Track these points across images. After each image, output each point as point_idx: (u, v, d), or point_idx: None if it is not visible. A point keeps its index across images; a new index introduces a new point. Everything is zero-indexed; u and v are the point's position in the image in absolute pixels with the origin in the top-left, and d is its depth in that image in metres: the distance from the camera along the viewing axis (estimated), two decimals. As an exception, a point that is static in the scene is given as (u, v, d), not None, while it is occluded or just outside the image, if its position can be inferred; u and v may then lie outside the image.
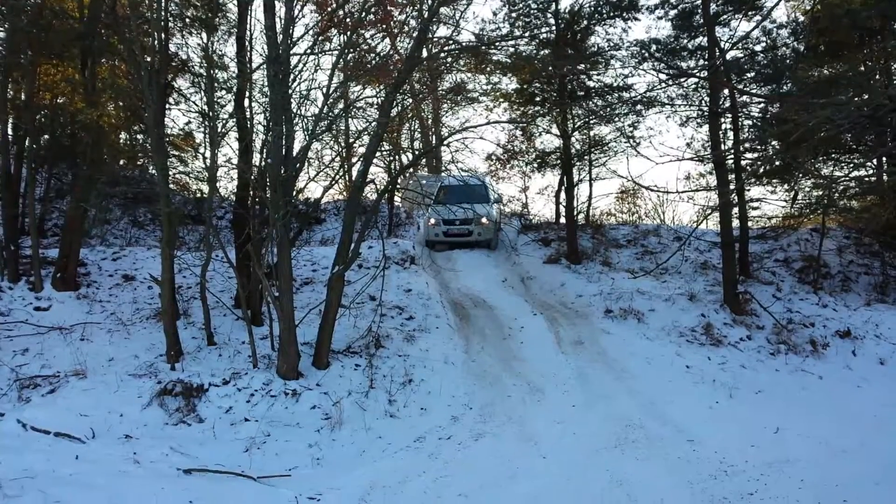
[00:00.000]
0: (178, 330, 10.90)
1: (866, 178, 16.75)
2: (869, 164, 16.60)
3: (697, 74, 15.34)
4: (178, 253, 12.57)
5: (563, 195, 19.58)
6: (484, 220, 17.79)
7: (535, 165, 20.46)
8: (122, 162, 16.91)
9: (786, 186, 17.86)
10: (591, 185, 21.37)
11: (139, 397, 9.27)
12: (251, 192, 12.25)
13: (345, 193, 22.19)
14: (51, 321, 11.45)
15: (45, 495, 6.18)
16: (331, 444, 8.89)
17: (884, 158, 15.96)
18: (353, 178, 13.23)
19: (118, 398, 9.19)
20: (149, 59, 10.82)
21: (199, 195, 17.16)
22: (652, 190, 20.19)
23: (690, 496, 6.77)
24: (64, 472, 6.95)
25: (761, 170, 16.85)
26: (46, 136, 14.76)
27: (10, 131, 12.79)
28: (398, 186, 17.95)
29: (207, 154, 12.60)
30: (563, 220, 19.99)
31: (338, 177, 16.74)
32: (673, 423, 9.15)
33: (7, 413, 8.41)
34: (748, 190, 17.25)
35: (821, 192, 17.02)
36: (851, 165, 16.80)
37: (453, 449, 8.50)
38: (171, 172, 14.79)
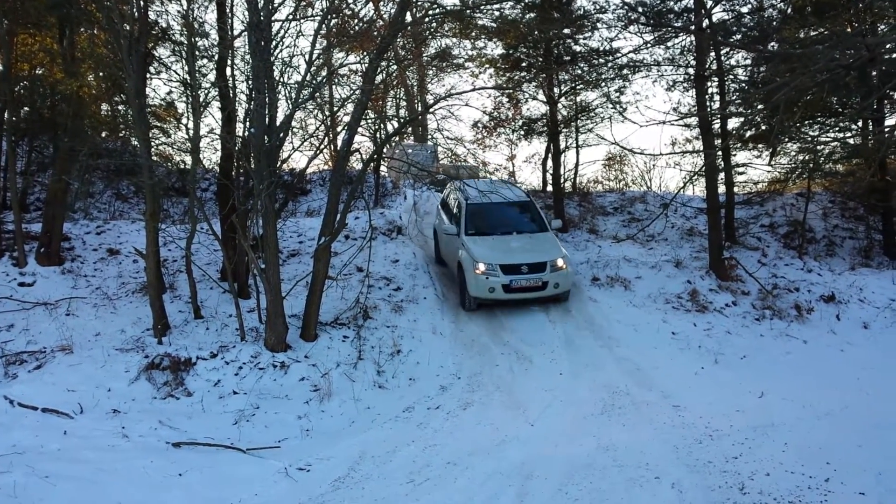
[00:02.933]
0: (164, 304, 10.84)
1: (851, 142, 16.79)
2: (854, 126, 16.61)
3: (683, 27, 15.18)
4: (163, 226, 12.46)
5: (549, 163, 19.51)
6: (560, 262, 12.17)
7: (522, 133, 20.29)
8: (103, 134, 16.65)
9: (771, 151, 17.87)
10: (577, 153, 21.22)
11: (126, 372, 9.25)
12: (235, 163, 12.13)
13: (330, 163, 22.02)
14: (35, 296, 11.36)
15: (33, 470, 6.19)
16: (320, 415, 8.92)
17: (869, 122, 15.98)
18: (338, 148, 13.15)
19: (105, 373, 9.17)
20: (128, 27, 10.60)
21: (182, 167, 16.98)
22: (636, 153, 19.91)
23: (676, 460, 6.84)
24: (52, 448, 6.96)
25: (747, 134, 16.85)
26: (26, 108, 14.51)
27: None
28: (384, 155, 17.81)
29: (190, 125, 12.46)
30: (549, 187, 19.94)
31: (322, 146, 16.65)
32: (659, 389, 9.23)
33: (-7, 389, 8.37)
34: (734, 155, 17.26)
35: (806, 156, 17.04)
36: (837, 129, 16.81)
37: (442, 418, 8.55)
38: (153, 144, 14.62)
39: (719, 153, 15.70)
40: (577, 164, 21.36)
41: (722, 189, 15.97)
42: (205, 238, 12.86)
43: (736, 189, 17.66)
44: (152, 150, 13.37)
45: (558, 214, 17.65)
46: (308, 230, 15.50)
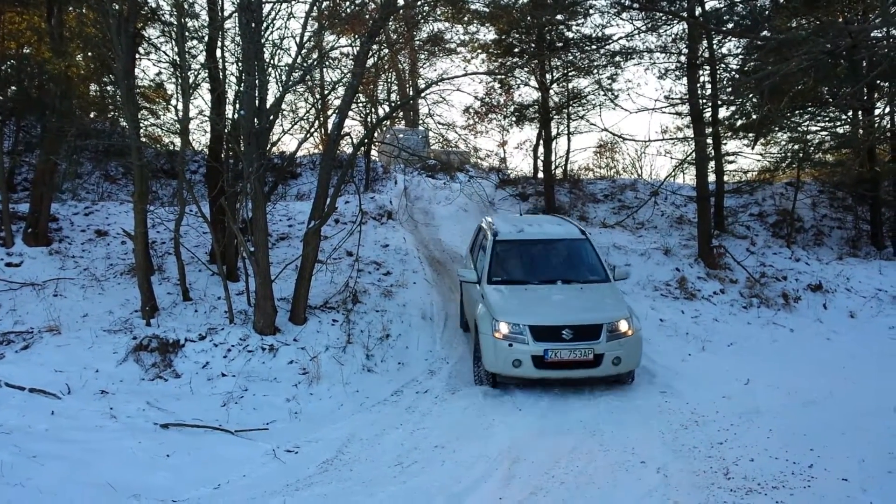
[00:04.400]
0: (152, 285, 10.80)
1: (840, 131, 16.86)
2: (844, 116, 16.68)
3: (676, 13, 15.17)
4: (152, 207, 12.40)
5: (541, 149, 19.51)
6: (623, 325, 8.62)
7: (514, 119, 20.27)
8: (92, 114, 16.52)
9: (762, 140, 17.93)
10: (569, 140, 21.29)
11: (114, 353, 9.22)
12: (224, 145, 12.06)
13: (320, 147, 21.94)
14: (23, 277, 11.30)
15: (20, 450, 6.17)
16: (308, 398, 8.93)
17: (859, 113, 16.04)
18: (329, 131, 13.07)
19: (93, 354, 9.14)
20: (117, 6, 10.49)
21: (171, 148, 16.87)
22: (626, 139, 19.86)
23: (661, 445, 6.89)
24: (39, 428, 6.94)
25: (738, 123, 16.89)
26: (13, 88, 14.35)
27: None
28: (375, 140, 17.76)
29: (179, 106, 12.36)
30: (540, 174, 19.94)
31: (313, 130, 16.56)
32: (647, 375, 9.28)
33: (-20, 370, 8.33)
34: (724, 144, 17.31)
35: (796, 146, 17.12)
36: (827, 119, 16.88)
37: (430, 402, 8.57)
38: (142, 125, 14.50)
39: (710, 141, 15.74)
40: (568, 151, 21.42)
41: (712, 178, 16.05)
42: (194, 220, 12.81)
43: (726, 178, 17.76)
44: (141, 131, 13.26)
45: (548, 201, 17.68)
46: (298, 214, 15.47)
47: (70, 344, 9.30)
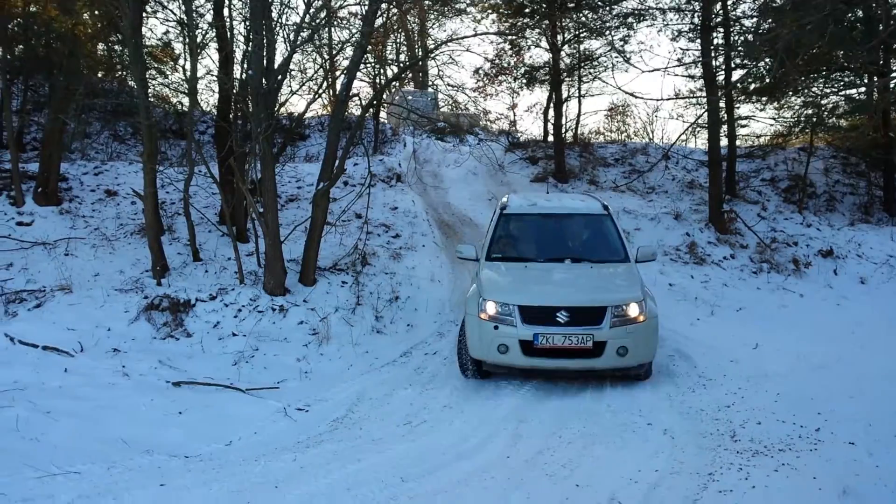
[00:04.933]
0: (162, 246, 10.83)
1: (855, 96, 16.63)
2: (858, 81, 16.43)
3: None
4: (161, 168, 12.38)
5: (551, 112, 19.34)
6: (633, 308, 7.40)
7: (524, 81, 20.06)
8: (99, 74, 16.43)
9: (775, 104, 17.71)
10: (580, 103, 21.11)
11: (126, 312, 9.29)
12: (233, 106, 11.99)
13: (328, 108, 21.79)
14: (34, 236, 11.34)
15: (35, 406, 6.25)
16: (318, 358, 9.00)
17: (874, 77, 15.79)
18: (337, 92, 12.93)
19: (105, 313, 9.21)
20: (123, -36, 10.36)
21: (179, 109, 16.80)
22: (639, 97, 19.70)
23: (668, 408, 6.93)
24: (53, 385, 7.02)
25: (751, 86, 16.67)
26: (20, 47, 14.26)
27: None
28: (384, 101, 17.61)
29: (187, 66, 12.28)
30: (551, 138, 19.80)
31: (321, 90, 16.42)
32: (655, 339, 9.29)
33: (-7, 327, 8.41)
34: (737, 108, 17.11)
35: (809, 110, 16.90)
36: (841, 83, 16.64)
37: (439, 363, 8.62)
38: (150, 84, 14.42)
39: (722, 104, 15.54)
40: (578, 115, 21.24)
41: (724, 142, 15.88)
42: (203, 181, 12.79)
43: (738, 142, 17.58)
44: (149, 91, 13.20)
45: (558, 164, 17.57)
46: (306, 176, 15.43)
47: (82, 303, 9.36)
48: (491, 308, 7.38)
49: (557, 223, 9.01)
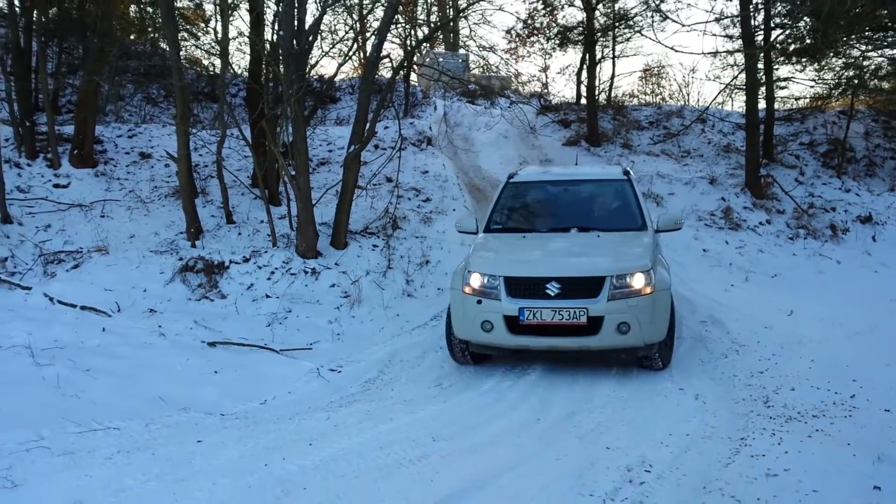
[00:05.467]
0: (196, 208, 10.94)
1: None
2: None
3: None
4: (193, 130, 12.45)
5: (584, 74, 19.05)
6: (639, 279, 6.48)
7: (557, 42, 19.78)
8: (132, 35, 16.50)
9: (815, 66, 17.25)
10: (613, 64, 20.88)
11: (161, 273, 9.43)
12: (264, 67, 11.98)
13: (359, 70, 21.70)
14: (70, 198, 11.52)
15: (74, 364, 6.39)
16: (350, 320, 9.08)
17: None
18: (368, 54, 12.83)
19: (141, 274, 9.36)
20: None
21: (211, 71, 16.84)
22: (678, 51, 19.28)
23: (701, 373, 6.89)
24: (91, 343, 7.16)
25: (791, 47, 16.24)
26: (54, 9, 14.35)
27: (16, 2, 12.41)
28: (414, 63, 17.47)
29: (218, 27, 12.26)
30: (583, 100, 19.53)
31: (351, 52, 16.32)
32: (688, 305, 9.23)
33: (34, 287, 8.60)
34: (776, 69, 16.69)
35: (851, 72, 16.45)
36: (885, 44, 16.13)
37: (469, 326, 8.64)
38: (182, 46, 14.45)
39: (760, 66, 15.16)
40: (612, 76, 20.91)
41: (762, 104, 15.55)
42: (235, 143, 12.86)
43: (776, 105, 17.18)
44: (181, 53, 13.22)
45: (591, 128, 17.35)
46: (337, 139, 15.43)
47: (118, 264, 9.52)
48: (475, 281, 6.64)
49: (567, 190, 8.21)
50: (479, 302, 6.55)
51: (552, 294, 6.37)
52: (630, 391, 6.35)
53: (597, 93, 18.39)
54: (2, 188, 10.30)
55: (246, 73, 13.89)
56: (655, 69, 23.49)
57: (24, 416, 5.12)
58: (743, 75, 15.17)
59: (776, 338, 8.07)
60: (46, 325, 7.47)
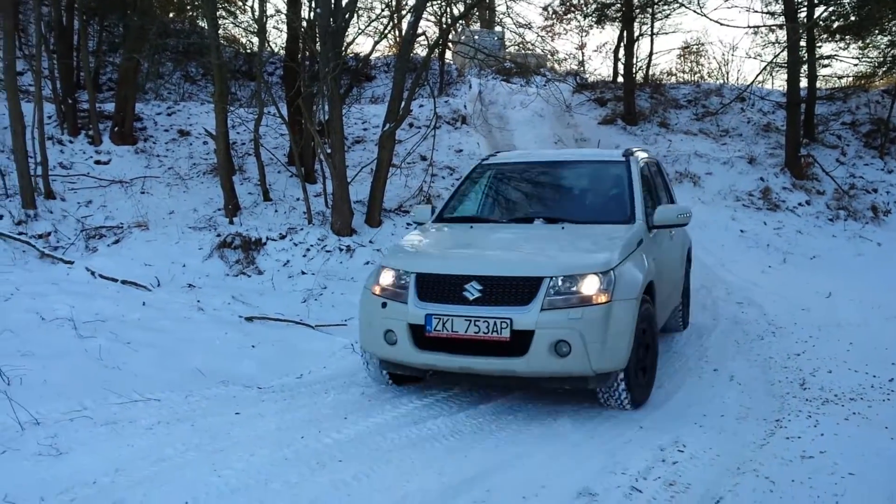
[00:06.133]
0: (234, 185, 11.08)
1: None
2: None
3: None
4: (231, 108, 12.58)
5: (621, 52, 18.80)
6: (589, 282, 4.83)
7: (594, 19, 19.52)
8: (171, 14, 16.65)
9: (859, 43, 16.82)
10: (651, 41, 20.54)
11: (200, 249, 9.59)
12: (301, 45, 12.03)
13: (394, 49, 21.66)
14: (111, 174, 11.73)
15: (116, 336, 6.54)
16: (384, 297, 9.14)
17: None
18: (403, 32, 12.79)
19: (180, 249, 9.53)
20: None
21: (248, 49, 16.95)
22: (723, 24, 18.86)
23: (736, 354, 6.85)
24: (132, 317, 7.32)
25: (835, 24, 15.84)
26: (95, -13, 14.54)
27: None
28: (450, 40, 17.38)
29: (256, 5, 12.32)
30: (620, 78, 19.29)
31: (387, 30, 16.29)
32: (724, 286, 9.15)
33: (76, 261, 8.80)
34: (819, 46, 16.30)
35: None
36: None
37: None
38: (220, 24, 14.55)
39: (803, 43, 14.82)
40: (650, 54, 20.62)
41: (803, 83, 15.21)
42: (272, 121, 12.96)
43: (818, 83, 16.81)
44: (219, 31, 13.32)
45: (628, 106, 17.14)
46: (372, 117, 15.46)
47: (158, 239, 9.70)
48: (386, 278, 5.26)
49: (546, 175, 6.80)
50: (384, 305, 5.15)
51: (471, 298, 4.85)
52: (664, 371, 6.33)
53: (634, 71, 18.15)
54: (45, 164, 10.52)
55: (283, 52, 13.97)
56: (694, 47, 23.11)
57: (68, 386, 5.26)
58: (785, 53, 14.85)
59: (813, 320, 7.98)
60: (88, 298, 7.64)
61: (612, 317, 4.78)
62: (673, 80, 22.27)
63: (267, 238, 9.89)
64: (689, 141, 15.44)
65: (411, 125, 14.86)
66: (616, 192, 6.22)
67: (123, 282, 8.34)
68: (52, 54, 12.64)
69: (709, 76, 23.11)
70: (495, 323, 4.75)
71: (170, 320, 7.40)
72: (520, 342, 4.73)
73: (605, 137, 15.97)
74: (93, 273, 8.44)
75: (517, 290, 4.82)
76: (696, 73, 23.39)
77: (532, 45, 19.17)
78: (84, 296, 7.70)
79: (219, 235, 9.87)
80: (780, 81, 19.04)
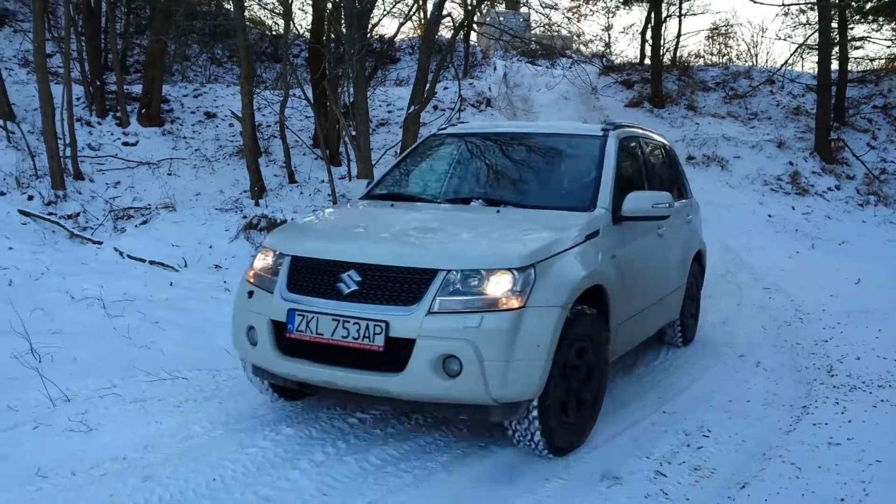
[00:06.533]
0: (260, 167, 11.14)
1: None
2: None
3: None
4: (257, 90, 12.63)
5: (648, 33, 18.57)
6: (497, 281, 3.67)
7: (621, 0, 19.28)
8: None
9: (893, 25, 16.46)
10: (680, 23, 20.20)
11: (226, 230, 9.66)
12: (326, 27, 12.02)
13: (419, 31, 21.57)
14: (139, 156, 11.84)
15: (144, 315, 6.62)
16: (407, 279, 9.16)
17: None
18: (428, 13, 12.73)
19: (206, 230, 9.60)
20: None
21: (274, 31, 16.98)
22: (755, 1, 18.45)
23: (763, 340, 6.79)
24: (160, 297, 7.41)
25: (867, 5, 15.52)
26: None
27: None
28: (475, 22, 17.28)
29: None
30: (647, 60, 19.07)
31: (412, 12, 16.23)
32: (750, 271, 9.07)
33: (105, 242, 8.91)
34: (851, 28, 15.98)
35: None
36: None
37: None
38: (246, 6, 14.58)
39: (834, 25, 14.53)
40: (678, 36, 20.39)
41: (835, 65, 14.94)
42: (297, 103, 12.99)
43: (850, 66, 16.50)
44: (245, 13, 13.35)
45: (655, 89, 16.95)
46: (397, 100, 15.44)
47: (185, 221, 9.78)
48: (261, 261, 4.30)
49: (504, 148, 5.56)
50: (251, 294, 4.21)
51: (345, 291, 3.79)
52: (687, 357, 6.30)
53: (661, 52, 17.93)
54: (74, 146, 10.64)
55: (308, 34, 13.97)
56: (723, 28, 22.76)
57: (98, 364, 5.34)
58: (816, 34, 14.58)
59: (842, 306, 7.88)
60: (117, 278, 7.74)
61: (523, 328, 3.60)
62: (701, 62, 21.98)
63: (292, 220, 9.93)
64: (717, 124, 15.25)
65: (436, 108, 14.82)
66: (580, 173, 5.09)
67: (151, 262, 8.43)
68: (80, 36, 12.74)
69: (737, 58, 22.78)
70: (367, 326, 3.64)
71: (197, 300, 7.47)
72: (397, 354, 3.60)
73: (631, 120, 15.77)
74: (121, 253, 8.54)
75: (402, 284, 3.70)
76: (724, 56, 23.06)
77: (558, 26, 18.99)
78: (112, 275, 7.80)
79: (245, 217, 9.93)
80: (810, 64, 18.74)
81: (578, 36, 21.14)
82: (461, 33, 16.42)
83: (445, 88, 15.69)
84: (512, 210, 4.65)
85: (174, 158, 11.91)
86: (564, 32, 20.60)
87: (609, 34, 25.68)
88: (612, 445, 4.24)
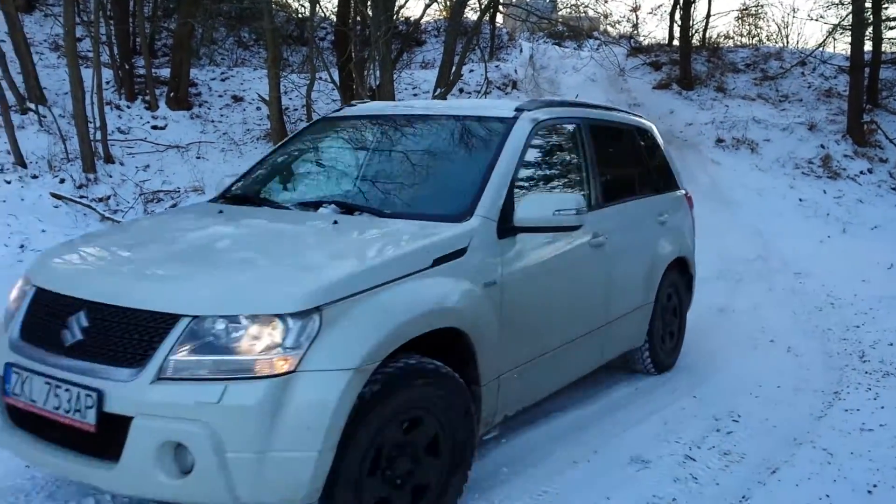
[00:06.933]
0: (286, 150, 11.17)
1: None
2: None
3: None
4: (284, 74, 12.65)
5: (677, 14, 18.31)
6: (258, 333, 2.52)
7: (650, -19, 19.01)
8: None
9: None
10: (709, 3, 19.94)
11: (254, 213, 9.73)
12: (352, 9, 12.01)
13: (445, 12, 21.46)
14: (167, 139, 11.93)
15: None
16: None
17: None
18: (456, -4, 12.68)
19: (234, 213, 9.68)
20: None
21: (300, 14, 17.00)
22: None
23: (793, 326, 6.73)
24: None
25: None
26: (150, -47, 14.70)
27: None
28: (501, 3, 17.15)
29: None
30: (676, 42, 18.82)
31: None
32: (780, 256, 8.97)
33: (136, 224, 9.02)
34: (885, 7, 15.64)
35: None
36: None
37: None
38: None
39: (868, 4, 14.22)
40: (707, 16, 20.05)
41: (868, 46, 14.64)
42: (324, 87, 12.99)
43: (884, 47, 16.14)
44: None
45: (683, 70, 16.75)
46: (422, 83, 15.39)
47: (213, 203, 9.86)
48: (14, 290, 3.24)
49: (386, 136, 4.39)
50: None
51: (68, 341, 2.76)
52: (719, 342, 6.26)
53: (690, 34, 17.66)
54: (104, 129, 10.75)
55: (334, 16, 13.96)
56: (753, 9, 22.35)
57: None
58: (849, 15, 14.29)
59: (873, 291, 7.79)
60: (149, 260, 7.84)
61: (291, 403, 2.50)
62: (731, 43, 21.63)
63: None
64: (747, 106, 15.03)
65: (462, 90, 14.76)
66: (468, 169, 3.83)
67: (181, 244, 8.52)
68: (109, 20, 12.83)
69: (768, 39, 22.38)
70: (79, 395, 2.61)
71: (226, 283, 7.56)
72: (111, 437, 2.55)
73: (659, 102, 15.65)
74: (151, 236, 8.64)
75: (131, 335, 2.64)
76: (754, 37, 22.67)
77: (585, 7, 18.73)
78: (144, 258, 7.90)
79: (272, 200, 9.99)
80: (842, 45, 18.37)
81: (606, 17, 20.90)
82: (487, 15, 16.30)
83: (471, 71, 15.61)
84: (361, 220, 3.52)
85: (202, 142, 11.99)
86: (592, 13, 20.37)
87: (637, 15, 25.44)
88: (641, 429, 4.24)
